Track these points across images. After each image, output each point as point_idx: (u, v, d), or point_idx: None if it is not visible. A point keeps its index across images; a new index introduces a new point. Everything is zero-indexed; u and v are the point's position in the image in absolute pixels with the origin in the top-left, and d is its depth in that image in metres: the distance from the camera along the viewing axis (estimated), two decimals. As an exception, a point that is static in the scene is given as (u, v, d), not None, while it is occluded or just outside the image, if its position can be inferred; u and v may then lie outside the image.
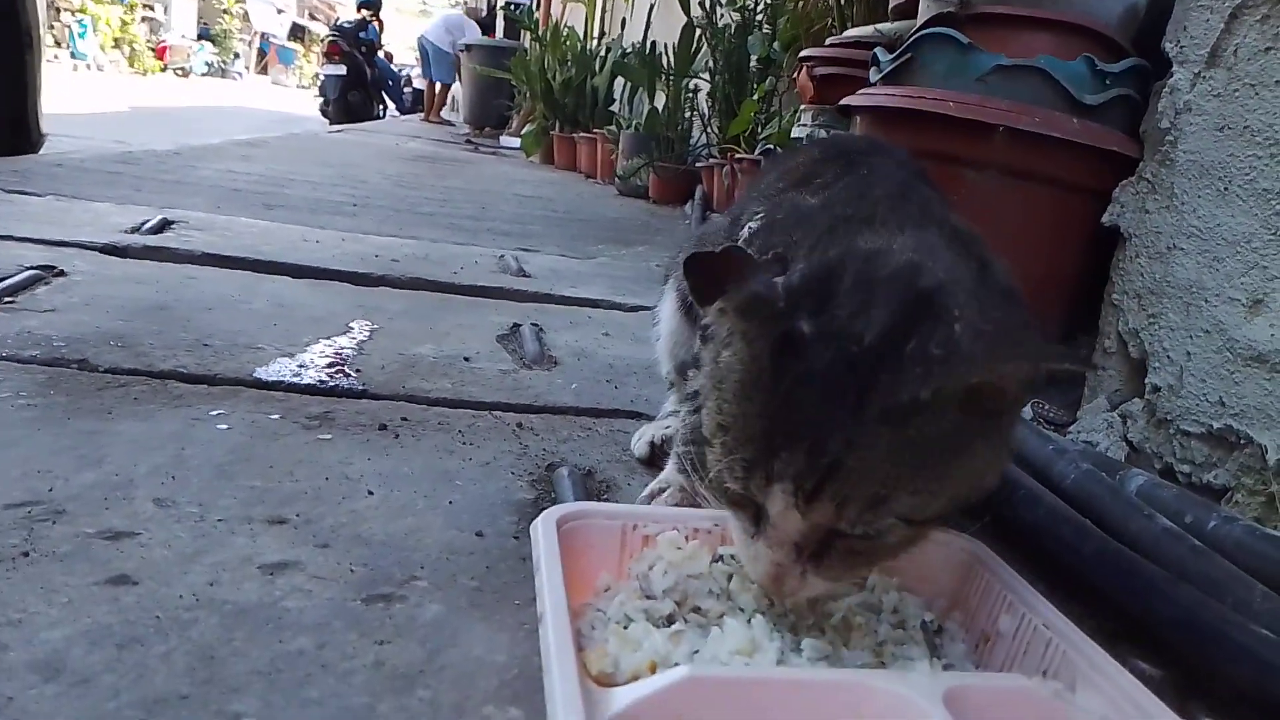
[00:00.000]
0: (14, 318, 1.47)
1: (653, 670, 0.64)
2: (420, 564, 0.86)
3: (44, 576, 0.76)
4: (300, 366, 1.42)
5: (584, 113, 7.58)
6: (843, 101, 1.65)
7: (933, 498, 0.62)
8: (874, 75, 1.62)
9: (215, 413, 1.17)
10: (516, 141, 9.57)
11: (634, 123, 6.12)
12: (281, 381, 1.34)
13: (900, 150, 1.08)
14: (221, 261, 2.07)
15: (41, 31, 3.71)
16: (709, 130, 4.78)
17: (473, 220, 3.48)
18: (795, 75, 2.41)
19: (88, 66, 22.53)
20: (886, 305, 0.61)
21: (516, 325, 1.85)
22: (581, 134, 7.30)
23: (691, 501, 0.93)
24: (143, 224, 2.34)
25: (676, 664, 0.65)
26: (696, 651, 0.68)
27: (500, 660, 0.73)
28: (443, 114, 13.14)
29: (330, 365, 1.45)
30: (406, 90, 19.75)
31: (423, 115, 14.15)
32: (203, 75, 30.29)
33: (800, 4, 3.53)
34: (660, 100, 5.56)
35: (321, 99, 13.37)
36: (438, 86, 12.90)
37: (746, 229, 0.93)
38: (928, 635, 0.71)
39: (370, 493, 1.00)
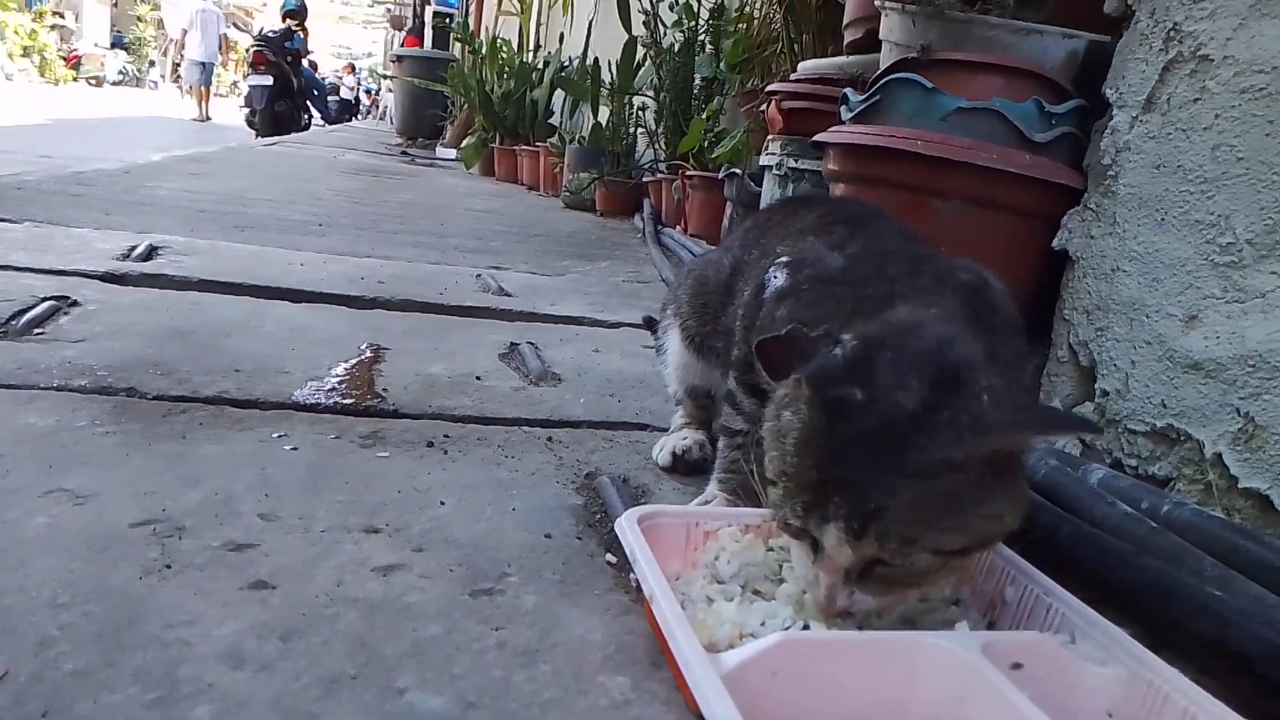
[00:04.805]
0: (50, 349, 1.55)
1: (741, 638, 0.79)
2: (507, 562, 0.99)
3: (194, 584, 0.87)
4: (332, 389, 1.53)
5: (524, 125, 7.69)
6: (817, 137, 1.81)
7: (959, 534, 0.76)
8: (845, 114, 1.79)
9: (278, 435, 1.28)
10: (453, 153, 9.62)
11: (577, 136, 6.27)
12: (321, 404, 1.45)
13: (887, 214, 1.25)
14: (221, 288, 2.15)
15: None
16: (656, 146, 4.94)
17: (437, 238, 3.58)
18: (763, 107, 2.58)
19: (-6, 76, 21.87)
20: (922, 378, 0.75)
21: (514, 344, 1.97)
22: (523, 146, 7.41)
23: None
24: (131, 250, 2.41)
25: (752, 635, 0.80)
26: (763, 624, 0.82)
27: (599, 638, 0.87)
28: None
29: (359, 387, 1.56)
30: (332, 99, 19.56)
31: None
32: (116, 84, 29.52)
33: (747, 27, 3.72)
34: (603, 115, 5.71)
35: (248, 109, 13.17)
36: None
37: (773, 279, 1.07)
38: (960, 605, 0.87)
39: (443, 503, 1.12)
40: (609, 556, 1.03)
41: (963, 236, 1.63)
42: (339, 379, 1.60)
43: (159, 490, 1.06)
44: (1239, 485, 1.21)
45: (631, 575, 0.98)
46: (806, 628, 0.79)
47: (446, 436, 1.36)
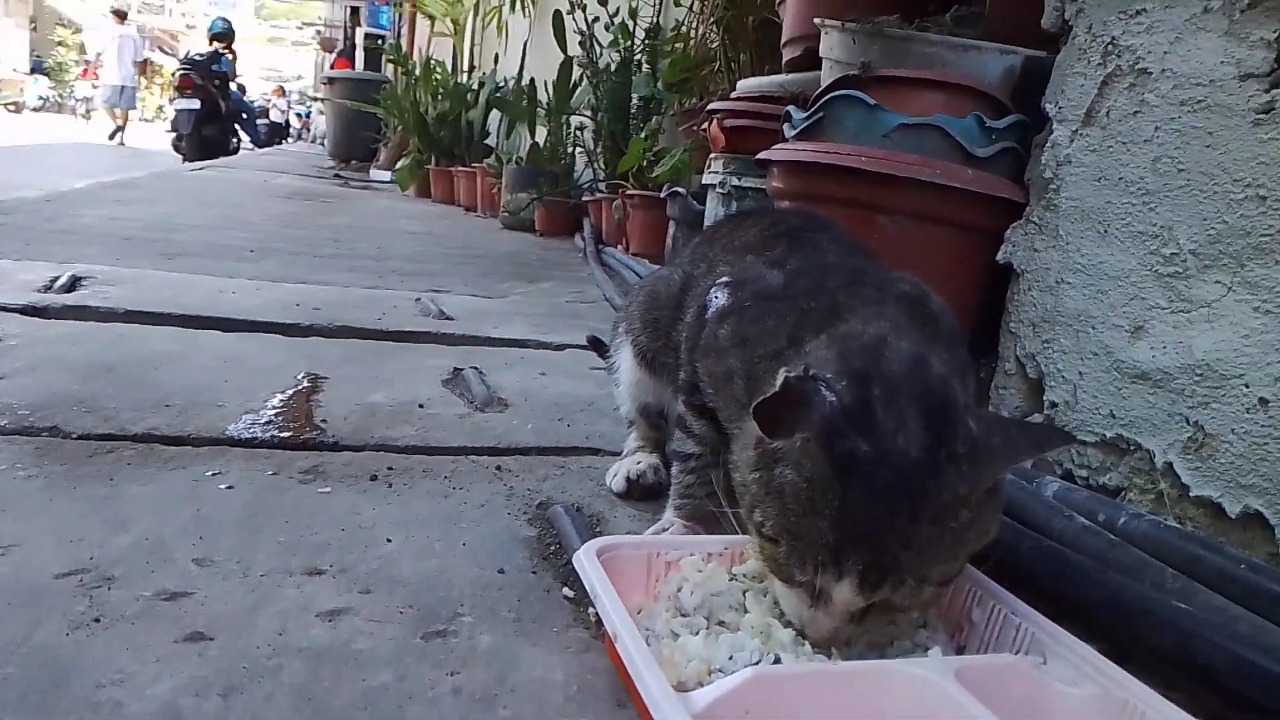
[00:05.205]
0: (-35, 387, 1.47)
1: (710, 674, 0.76)
2: (459, 601, 0.95)
3: (125, 638, 0.82)
4: (268, 422, 1.47)
5: (460, 146, 7.63)
6: (761, 155, 1.80)
7: (957, 561, 0.78)
8: (789, 131, 1.78)
9: (212, 473, 1.22)
10: (387, 175, 9.51)
11: (514, 157, 6.23)
12: (258, 438, 1.39)
13: (833, 222, 1.26)
14: (148, 318, 2.07)
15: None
16: (595, 165, 4.92)
17: (374, 261, 3.51)
18: (704, 125, 2.58)
19: (-94, 102, 21.12)
20: (918, 417, 0.74)
21: (458, 369, 1.93)
22: (460, 167, 7.35)
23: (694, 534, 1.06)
24: (53, 281, 2.30)
25: (720, 669, 0.77)
26: (730, 658, 0.80)
27: (559, 679, 0.83)
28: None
29: (297, 419, 1.51)
30: (262, 122, 19.21)
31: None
32: (36, 110, 28.65)
33: (684, 47, 3.73)
34: (540, 135, 5.68)
35: (174, 134, 12.87)
36: None
37: (715, 299, 1.07)
38: (927, 628, 0.85)
39: (389, 540, 1.08)
40: (566, 590, 0.99)
41: (907, 252, 1.63)
42: (275, 411, 1.53)
43: (86, 537, 1.00)
44: (1190, 494, 1.21)
45: (591, 610, 0.94)
46: (777, 660, 0.76)
47: (390, 469, 1.31)
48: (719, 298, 1.08)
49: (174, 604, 0.88)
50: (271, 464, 1.28)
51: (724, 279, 1.10)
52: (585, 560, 0.86)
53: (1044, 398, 1.48)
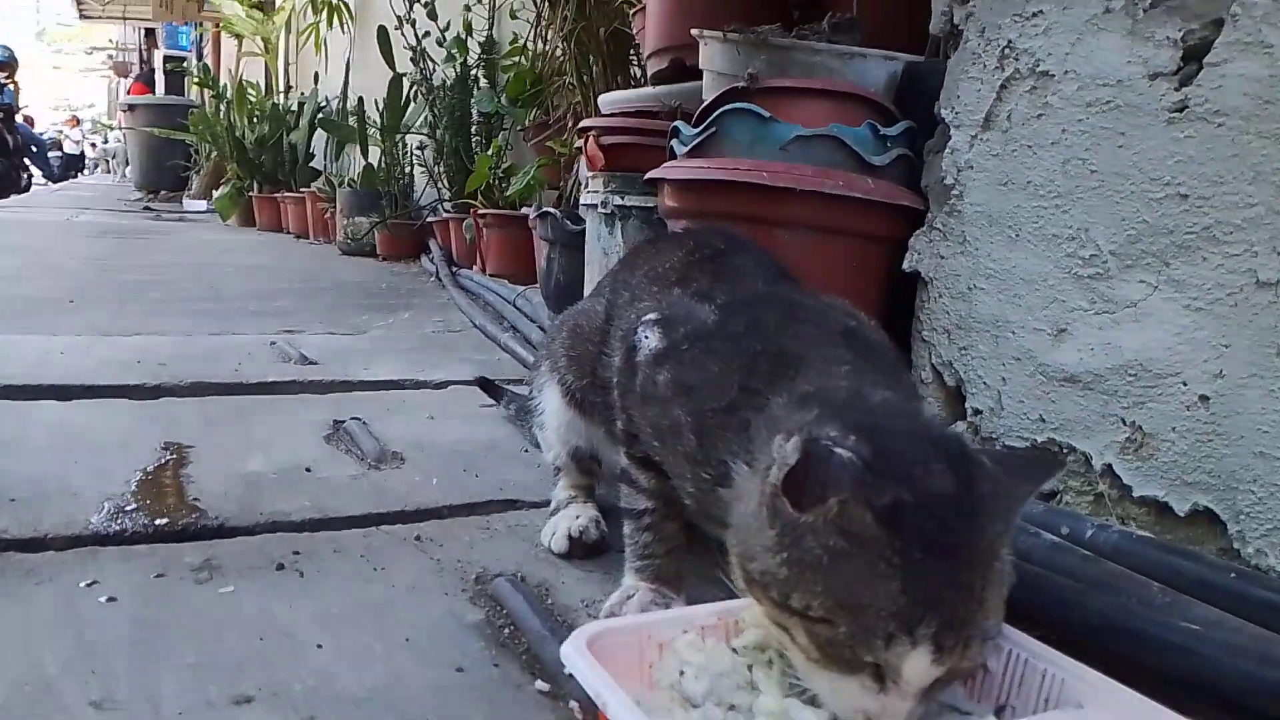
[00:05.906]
0: None
1: (744, 776, 0.67)
2: (424, 717, 0.82)
3: (22, 828, 0.66)
4: (135, 509, 1.28)
5: (284, 171, 7.26)
6: (652, 174, 1.72)
7: (1003, 610, 0.71)
8: (679, 148, 1.71)
9: (85, 582, 1.04)
10: (203, 204, 8.98)
11: (346, 179, 5.95)
12: (129, 530, 1.21)
13: (750, 241, 1.25)
14: (-35, 393, 1.81)
15: None
16: (438, 185, 4.74)
17: (213, 303, 3.24)
18: (579, 143, 2.48)
19: None
20: (938, 460, 0.69)
21: (339, 422, 1.76)
22: (286, 193, 6.98)
23: (662, 601, 0.97)
24: None
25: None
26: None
27: (562, 801, 0.72)
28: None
29: (168, 498, 1.33)
30: (54, 155, 17.84)
31: None
32: None
33: (531, 62, 3.62)
34: (374, 155, 5.44)
35: (-45, 173, 11.76)
36: None
37: (644, 340, 1.00)
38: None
39: (319, 646, 0.93)
40: (539, 684, 0.88)
41: (809, 265, 1.57)
42: (140, 493, 1.35)
43: (-58, 691, 0.81)
44: (1133, 494, 1.21)
45: (572, 703, 0.84)
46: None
47: (296, 553, 1.16)
48: (649, 338, 1.00)
49: (77, 770, 0.72)
50: (153, 562, 1.11)
51: (650, 317, 1.03)
52: (579, 660, 0.75)
53: (965, 405, 1.46)
